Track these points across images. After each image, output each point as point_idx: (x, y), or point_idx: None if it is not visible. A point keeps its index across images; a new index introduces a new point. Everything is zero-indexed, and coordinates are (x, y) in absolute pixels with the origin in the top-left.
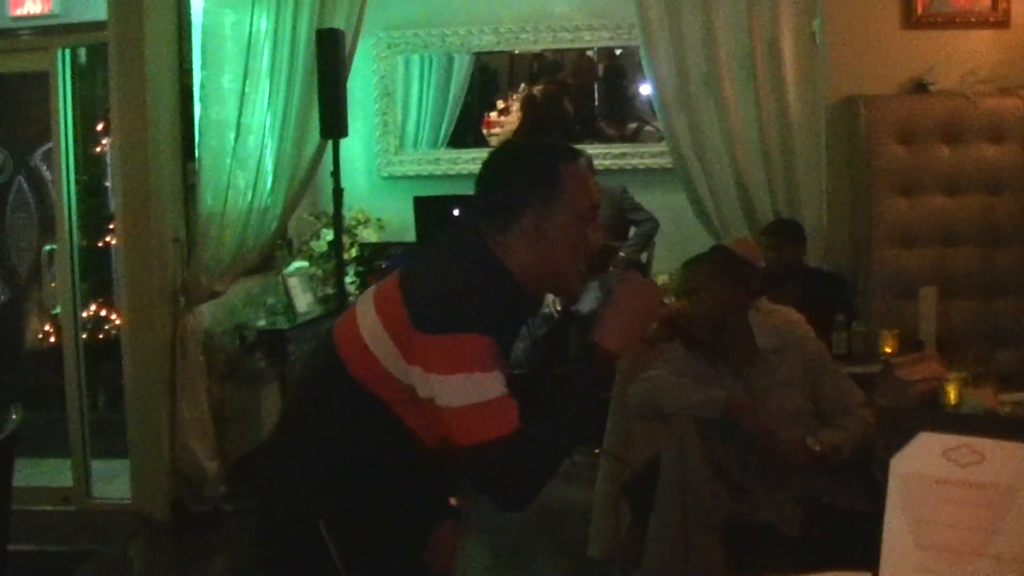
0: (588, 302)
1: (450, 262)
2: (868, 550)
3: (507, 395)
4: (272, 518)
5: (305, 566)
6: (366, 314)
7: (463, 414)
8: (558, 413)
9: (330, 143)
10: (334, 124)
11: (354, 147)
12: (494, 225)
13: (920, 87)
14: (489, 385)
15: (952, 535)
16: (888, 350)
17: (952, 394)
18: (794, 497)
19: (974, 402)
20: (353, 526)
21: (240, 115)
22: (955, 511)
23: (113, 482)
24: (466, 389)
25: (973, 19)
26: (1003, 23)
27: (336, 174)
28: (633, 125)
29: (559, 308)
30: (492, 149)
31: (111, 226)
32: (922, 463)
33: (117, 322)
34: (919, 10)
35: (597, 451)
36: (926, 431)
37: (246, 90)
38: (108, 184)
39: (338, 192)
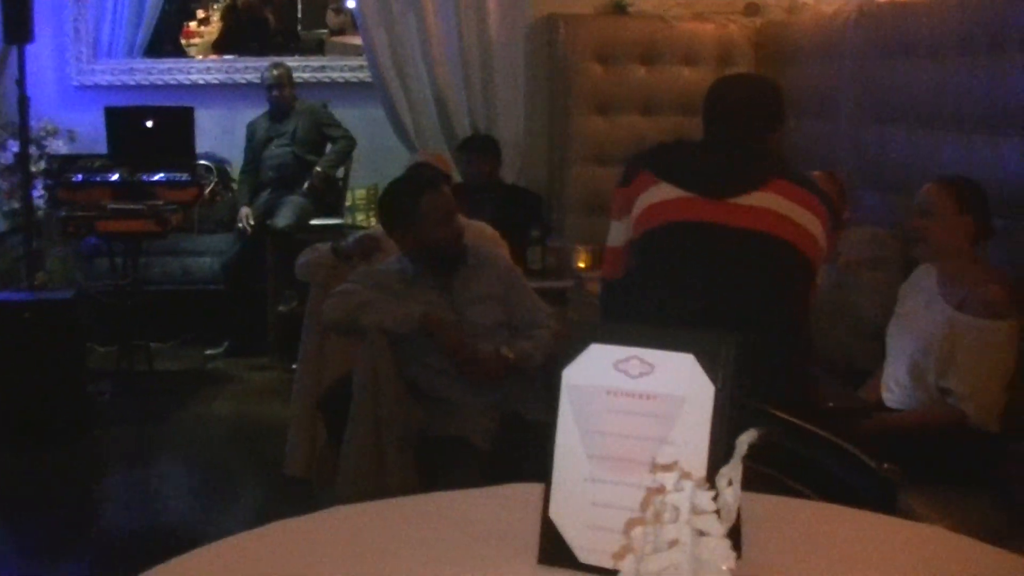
0: (283, 217)
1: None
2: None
3: None
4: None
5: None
6: (775, 205)
7: None
8: None
9: (15, 49)
10: (18, 29)
11: (43, 54)
12: (765, 137)
13: (619, 8)
14: None
15: (622, 445)
16: (582, 265)
17: None
18: (488, 408)
19: None
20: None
21: None
22: (626, 421)
23: None
24: None
25: None
26: None
27: (21, 82)
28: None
29: (252, 223)
30: (736, 82)
31: None
32: (593, 374)
33: None
34: None
35: (294, 367)
36: (598, 342)
37: None
38: None
39: (24, 101)
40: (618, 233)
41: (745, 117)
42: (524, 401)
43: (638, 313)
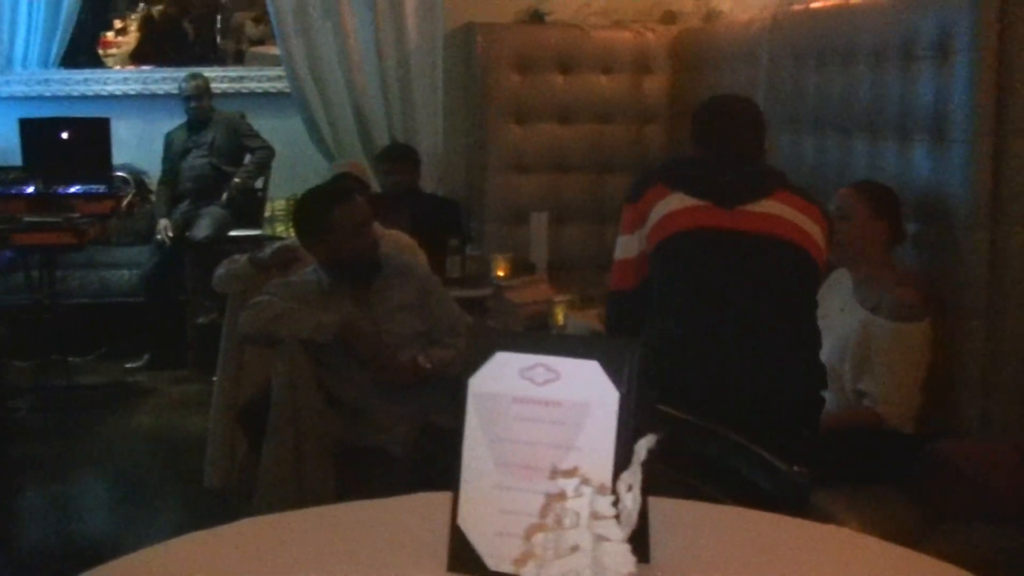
0: (202, 229)
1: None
2: None
3: None
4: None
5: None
6: (785, 212)
7: None
8: None
9: None
10: None
11: None
12: (760, 151)
13: (536, 17)
14: None
15: (529, 452)
16: (501, 274)
17: (559, 316)
18: (407, 418)
19: (579, 323)
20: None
21: None
22: (532, 429)
23: None
24: None
25: None
26: None
27: None
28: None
29: (170, 235)
30: (734, 102)
31: None
32: (499, 382)
33: None
34: None
35: (214, 378)
36: (503, 350)
37: None
38: None
39: None
40: (630, 246)
41: (746, 134)
42: (442, 411)
43: (656, 320)
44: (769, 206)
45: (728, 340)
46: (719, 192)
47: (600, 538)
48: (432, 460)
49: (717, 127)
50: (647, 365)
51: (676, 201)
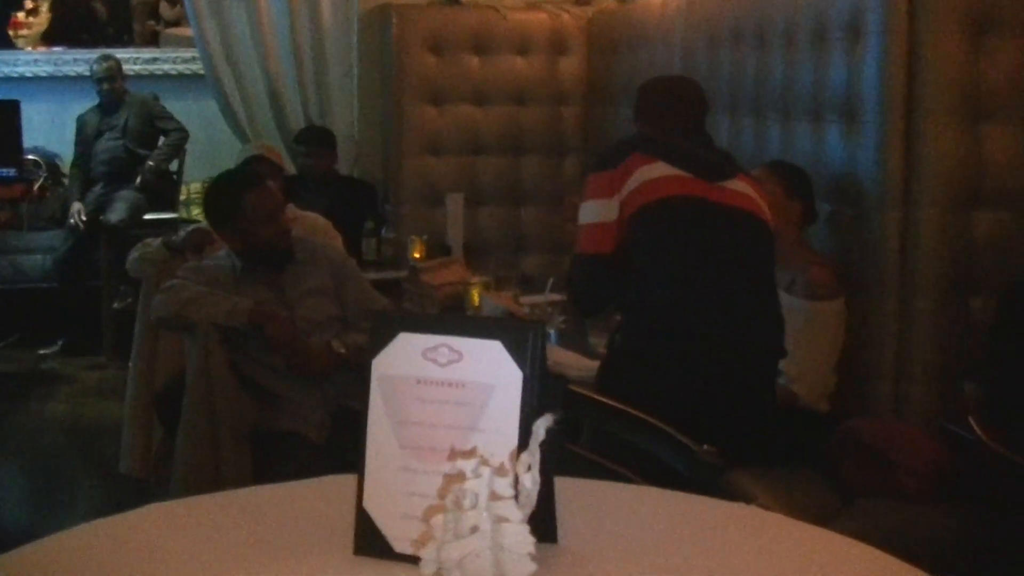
0: (116, 212)
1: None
2: None
3: None
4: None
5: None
6: (750, 191)
7: None
8: None
9: None
10: None
11: None
12: None
13: None
14: None
15: (433, 434)
16: (416, 256)
17: (475, 297)
18: (322, 402)
19: (494, 304)
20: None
21: None
22: (436, 410)
23: None
24: None
25: None
26: None
27: None
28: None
29: (84, 219)
30: (687, 83)
31: None
32: (402, 363)
33: None
34: None
35: (130, 364)
36: (406, 331)
37: None
38: None
39: None
40: (608, 210)
41: (701, 115)
42: (356, 395)
43: (638, 283)
44: (739, 185)
45: (713, 307)
46: (698, 166)
47: (499, 519)
48: (347, 444)
49: (675, 108)
50: (632, 326)
51: (660, 168)
